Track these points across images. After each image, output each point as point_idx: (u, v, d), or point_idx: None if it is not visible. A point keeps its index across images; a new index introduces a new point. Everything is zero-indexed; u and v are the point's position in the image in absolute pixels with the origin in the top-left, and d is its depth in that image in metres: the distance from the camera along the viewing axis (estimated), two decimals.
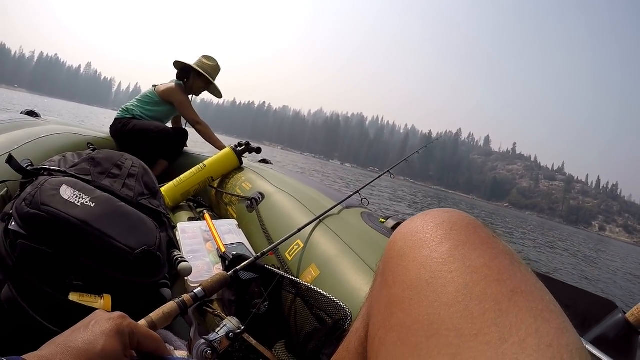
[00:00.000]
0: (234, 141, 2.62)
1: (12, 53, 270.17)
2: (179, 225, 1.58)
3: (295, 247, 1.35)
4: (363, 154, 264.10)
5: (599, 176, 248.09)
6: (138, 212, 1.15)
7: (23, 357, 0.44)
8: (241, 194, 2.07)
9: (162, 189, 2.13)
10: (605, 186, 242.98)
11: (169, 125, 3.60)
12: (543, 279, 0.42)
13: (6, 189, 1.30)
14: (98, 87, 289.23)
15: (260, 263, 1.21)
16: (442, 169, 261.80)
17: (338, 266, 1.15)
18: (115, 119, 3.23)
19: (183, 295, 0.91)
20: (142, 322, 0.78)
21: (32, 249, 0.88)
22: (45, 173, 1.18)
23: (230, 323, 0.93)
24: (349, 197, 1.61)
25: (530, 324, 0.35)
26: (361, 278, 1.07)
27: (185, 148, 3.46)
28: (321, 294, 1.04)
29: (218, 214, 2.28)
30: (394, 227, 1.32)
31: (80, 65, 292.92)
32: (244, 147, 2.58)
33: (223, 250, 1.34)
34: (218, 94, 3.72)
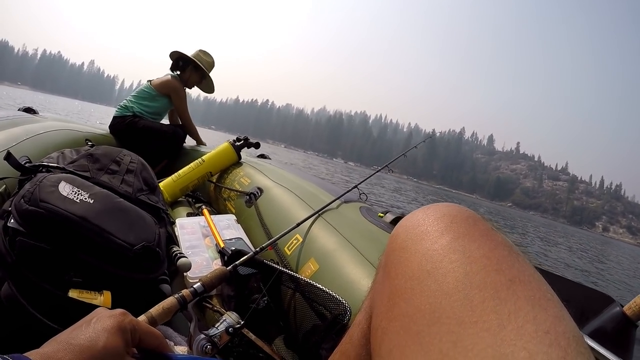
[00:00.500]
0: None
1: (15, 50, 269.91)
2: (178, 221, 1.58)
3: (294, 241, 1.35)
4: (366, 152, 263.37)
5: (602, 176, 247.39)
6: (137, 208, 1.15)
7: (25, 354, 0.44)
8: (240, 189, 2.07)
9: (161, 184, 2.13)
10: (609, 186, 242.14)
11: (165, 120, 3.61)
12: (542, 273, 0.43)
13: (4, 186, 1.30)
14: (101, 85, 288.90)
15: (259, 258, 1.21)
16: (445, 167, 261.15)
17: (337, 260, 1.16)
18: (115, 117, 3.22)
19: (182, 291, 0.91)
20: (142, 317, 0.78)
21: (32, 246, 0.88)
22: (43, 170, 1.17)
23: (229, 318, 0.94)
24: (348, 191, 1.62)
25: (528, 311, 0.36)
26: (360, 272, 1.07)
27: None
28: (320, 289, 1.05)
29: (217, 209, 2.28)
30: (393, 222, 1.33)
31: (83, 62, 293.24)
32: (242, 141, 2.58)
33: (222, 245, 1.35)
34: (210, 90, 3.72)
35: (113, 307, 0.85)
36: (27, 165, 1.17)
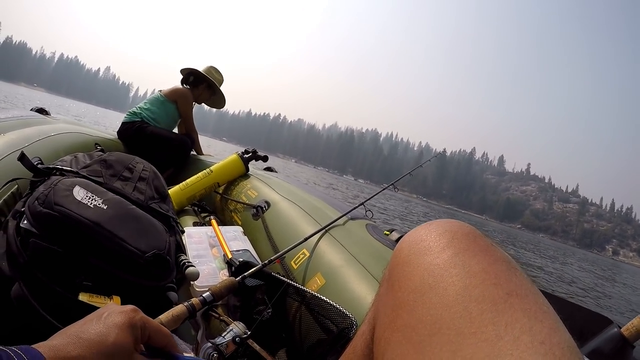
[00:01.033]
0: None
1: (33, 52, 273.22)
2: (186, 230, 1.59)
3: (301, 256, 1.36)
4: (376, 170, 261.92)
5: (613, 199, 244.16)
6: (148, 216, 1.17)
7: (33, 346, 0.44)
8: (247, 201, 2.08)
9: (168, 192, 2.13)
10: (619, 209, 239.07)
11: (176, 130, 3.63)
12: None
13: (16, 186, 1.31)
14: (116, 90, 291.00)
15: (267, 270, 1.22)
16: (455, 188, 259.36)
17: (343, 276, 1.17)
18: (124, 122, 3.24)
19: (192, 299, 0.92)
20: None
21: (44, 248, 0.89)
22: (57, 173, 1.18)
23: (236, 328, 0.94)
24: (354, 208, 1.62)
25: (525, 323, 0.38)
26: (366, 288, 1.08)
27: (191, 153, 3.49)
28: (327, 302, 1.05)
29: (222, 220, 2.29)
30: (398, 240, 1.33)
31: (99, 68, 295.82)
32: (250, 154, 2.59)
33: (230, 256, 1.36)
34: (220, 105, 3.79)
35: None
36: (40, 167, 1.18)
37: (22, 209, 0.97)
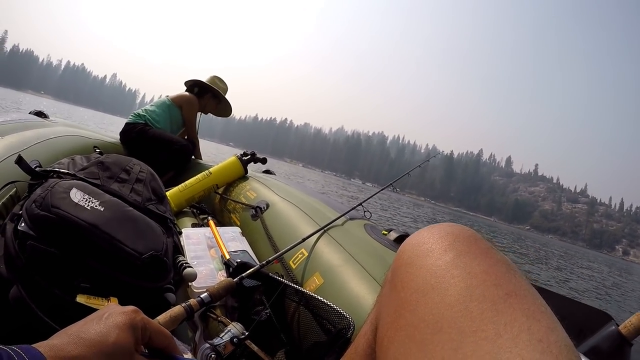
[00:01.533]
0: None
1: (40, 60, 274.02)
2: (184, 231, 1.59)
3: (300, 255, 1.37)
4: (384, 173, 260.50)
5: (622, 198, 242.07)
6: (146, 217, 1.17)
7: (33, 345, 0.45)
8: (246, 202, 2.08)
9: (167, 194, 2.12)
10: (629, 209, 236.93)
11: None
12: (541, 291, 0.46)
13: (14, 189, 1.31)
14: (122, 97, 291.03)
15: (264, 271, 1.22)
16: (463, 190, 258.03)
17: (341, 275, 1.17)
18: (127, 123, 3.25)
19: (189, 300, 0.92)
20: None
21: (42, 251, 0.89)
22: (54, 175, 1.19)
23: (234, 328, 0.95)
24: (353, 208, 1.64)
25: (523, 322, 0.39)
26: (364, 287, 1.09)
27: None
28: (325, 302, 1.06)
29: (221, 221, 2.30)
30: (397, 240, 1.35)
31: (105, 75, 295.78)
32: (249, 156, 2.61)
33: (227, 257, 1.36)
34: (226, 114, 3.84)
35: None
36: (38, 169, 1.19)
37: (20, 212, 0.97)
